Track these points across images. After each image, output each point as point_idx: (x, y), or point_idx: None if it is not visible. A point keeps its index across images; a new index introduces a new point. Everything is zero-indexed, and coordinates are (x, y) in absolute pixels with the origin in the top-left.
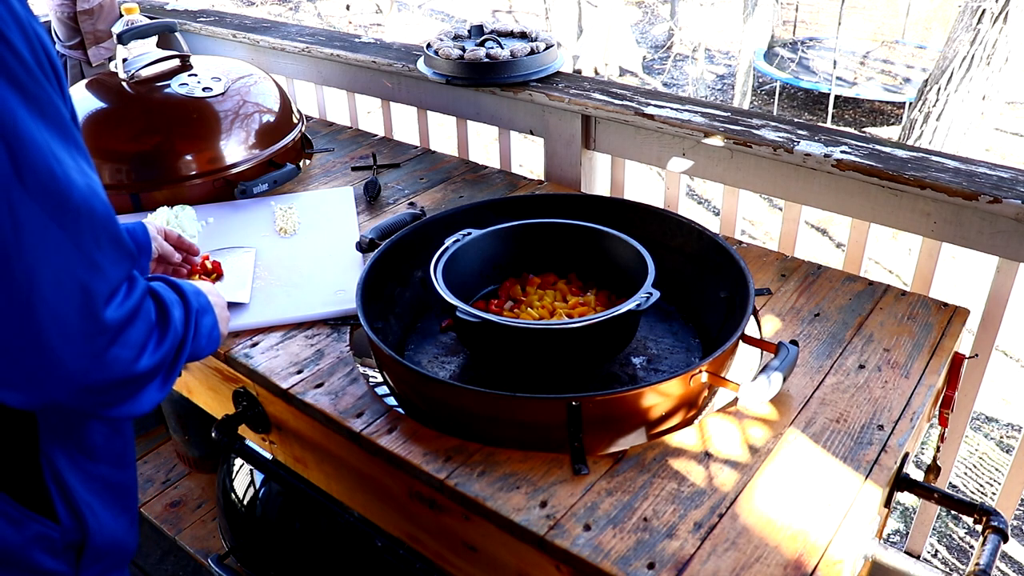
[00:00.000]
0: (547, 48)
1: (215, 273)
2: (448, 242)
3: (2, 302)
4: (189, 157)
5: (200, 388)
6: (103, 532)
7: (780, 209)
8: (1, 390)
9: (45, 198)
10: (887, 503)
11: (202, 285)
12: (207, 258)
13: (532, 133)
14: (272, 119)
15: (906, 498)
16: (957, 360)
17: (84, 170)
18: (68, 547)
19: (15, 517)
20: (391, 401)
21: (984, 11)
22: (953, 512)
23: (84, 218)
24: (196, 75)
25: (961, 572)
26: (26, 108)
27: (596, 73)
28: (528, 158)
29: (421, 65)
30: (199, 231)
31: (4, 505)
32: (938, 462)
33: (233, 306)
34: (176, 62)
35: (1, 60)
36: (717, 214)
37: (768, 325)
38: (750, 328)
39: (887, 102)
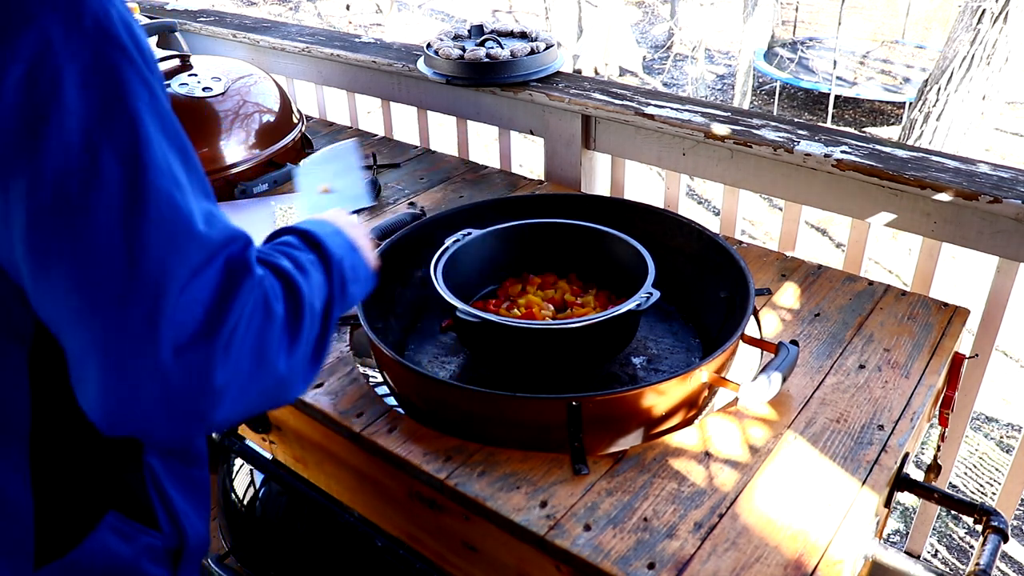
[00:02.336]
0: (547, 48)
1: None
2: (448, 242)
3: (119, 333)
4: None
5: None
6: (196, 534)
7: (780, 209)
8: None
9: (167, 225)
10: (887, 503)
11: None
12: None
13: (532, 133)
14: (272, 119)
15: (906, 498)
16: (957, 360)
17: (201, 191)
18: (168, 553)
19: (127, 532)
20: (391, 401)
21: (984, 11)
22: (953, 512)
23: (205, 248)
24: (196, 75)
25: (961, 572)
26: (153, 121)
27: (596, 73)
28: (528, 158)
29: (421, 65)
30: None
31: (117, 522)
32: (938, 462)
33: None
34: (176, 62)
35: (131, 60)
36: (717, 214)
37: (768, 325)
38: (750, 328)
39: (887, 102)
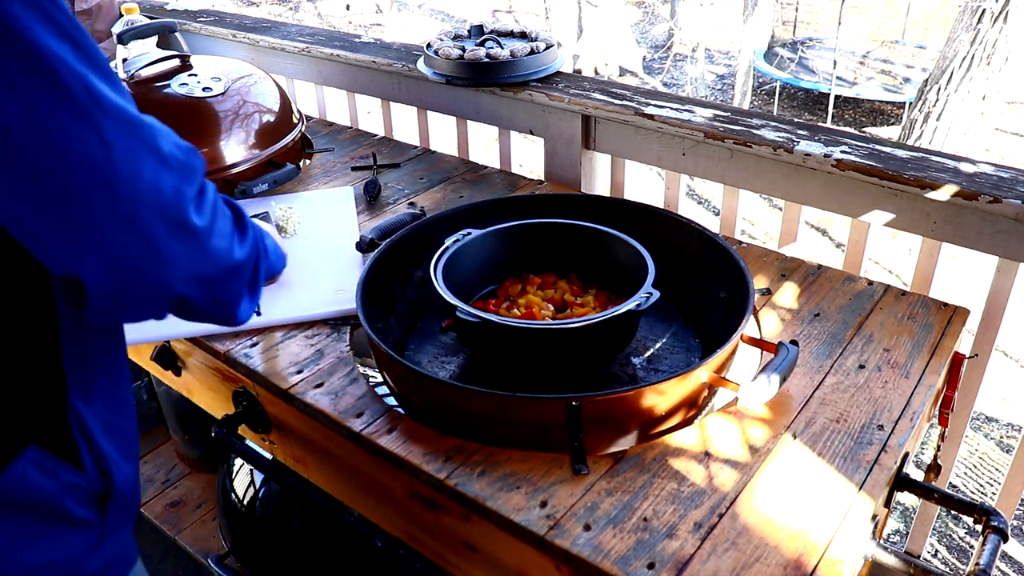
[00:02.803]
0: (547, 48)
1: None
2: (448, 242)
3: (115, 222)
4: None
5: (200, 388)
6: (124, 481)
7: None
8: (119, 310)
9: (123, 123)
10: (887, 503)
11: None
12: None
13: (532, 133)
14: (272, 119)
15: (906, 498)
16: (957, 360)
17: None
18: (94, 496)
19: (47, 467)
20: (391, 401)
21: (984, 11)
22: (953, 512)
23: (147, 129)
24: (196, 75)
25: (961, 572)
26: (87, 65)
27: (596, 73)
28: (528, 158)
29: (421, 65)
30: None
31: (38, 456)
32: (938, 462)
33: None
34: (176, 62)
35: (55, 20)
36: (717, 214)
37: (768, 325)
38: (750, 328)
39: (887, 102)
